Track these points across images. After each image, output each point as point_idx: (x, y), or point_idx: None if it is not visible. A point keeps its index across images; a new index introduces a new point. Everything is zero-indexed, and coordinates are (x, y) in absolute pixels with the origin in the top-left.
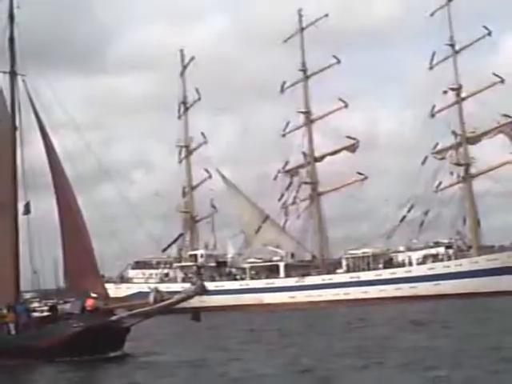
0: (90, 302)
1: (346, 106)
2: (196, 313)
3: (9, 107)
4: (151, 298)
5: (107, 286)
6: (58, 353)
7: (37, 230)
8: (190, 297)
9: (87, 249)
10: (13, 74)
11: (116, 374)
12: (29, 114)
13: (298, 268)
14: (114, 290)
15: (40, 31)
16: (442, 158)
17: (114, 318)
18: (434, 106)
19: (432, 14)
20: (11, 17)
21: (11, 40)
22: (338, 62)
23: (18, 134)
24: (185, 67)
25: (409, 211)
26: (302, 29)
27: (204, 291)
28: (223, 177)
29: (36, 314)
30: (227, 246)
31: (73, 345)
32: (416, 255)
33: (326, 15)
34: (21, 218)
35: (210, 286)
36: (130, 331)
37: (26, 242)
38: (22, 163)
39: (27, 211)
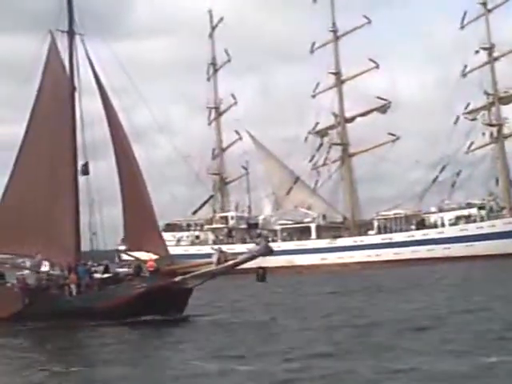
0: (150, 263)
1: (377, 66)
2: (261, 273)
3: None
4: (215, 258)
5: None
6: (120, 314)
7: (96, 191)
8: (254, 257)
9: (148, 208)
10: (71, 34)
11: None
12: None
13: (330, 230)
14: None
15: None
16: (474, 119)
17: (176, 278)
18: (465, 66)
19: None
20: None
21: None
22: (369, 21)
23: (76, 94)
24: (213, 28)
25: (441, 172)
26: None
27: (269, 251)
28: (253, 138)
29: (98, 275)
30: (263, 205)
31: (135, 306)
32: (448, 216)
33: None
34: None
35: (240, 248)
36: (192, 292)
37: (85, 204)
38: (82, 124)
39: (86, 172)
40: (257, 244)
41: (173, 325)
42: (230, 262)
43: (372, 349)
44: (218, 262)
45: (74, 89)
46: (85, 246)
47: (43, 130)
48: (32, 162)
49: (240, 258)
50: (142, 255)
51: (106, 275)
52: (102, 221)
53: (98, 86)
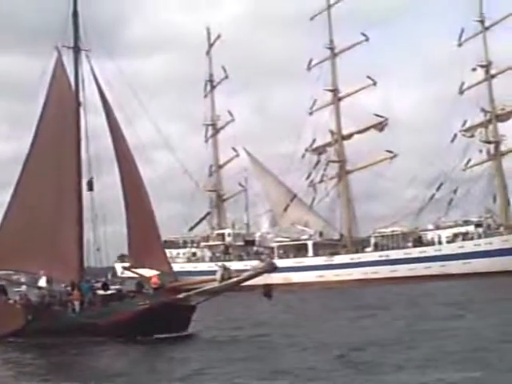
0: (154, 280)
1: (375, 83)
2: (268, 289)
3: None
4: (218, 275)
5: None
6: (123, 331)
7: (100, 207)
8: (258, 274)
9: (151, 224)
10: (76, 50)
11: (181, 354)
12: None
13: (327, 247)
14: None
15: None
16: (471, 136)
17: (180, 295)
18: (462, 83)
19: None
20: None
21: (75, 14)
22: (367, 39)
23: (81, 109)
24: (211, 45)
25: (438, 189)
26: (330, 6)
27: (273, 268)
28: (250, 155)
29: (101, 292)
30: (261, 222)
31: (139, 323)
32: (445, 233)
33: None
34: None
35: (237, 265)
36: (195, 310)
37: (89, 219)
38: (86, 140)
39: (90, 188)
40: (261, 261)
41: (176, 342)
42: (234, 279)
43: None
44: (222, 278)
45: (79, 104)
46: (88, 262)
47: (48, 145)
48: (36, 178)
49: (244, 275)
50: (145, 272)
51: (107, 292)
52: (106, 237)
53: (103, 101)
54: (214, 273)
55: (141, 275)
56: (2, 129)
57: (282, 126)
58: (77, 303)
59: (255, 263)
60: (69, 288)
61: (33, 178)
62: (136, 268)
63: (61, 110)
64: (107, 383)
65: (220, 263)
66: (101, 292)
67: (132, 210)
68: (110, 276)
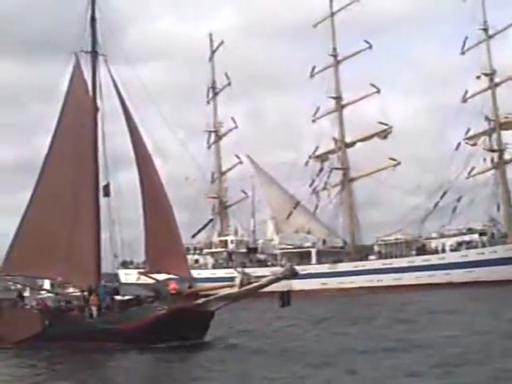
0: (172, 285)
1: (379, 91)
2: (286, 296)
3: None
4: (238, 280)
5: (135, 271)
6: (141, 336)
7: (117, 213)
8: (278, 279)
9: (171, 228)
10: (94, 55)
11: (198, 361)
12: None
13: (330, 254)
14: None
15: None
16: (474, 144)
17: (199, 301)
18: (466, 92)
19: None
20: None
21: (92, 20)
22: (370, 46)
23: (99, 114)
24: (213, 52)
25: (442, 197)
26: (333, 13)
27: (293, 274)
28: (253, 162)
29: (119, 297)
30: (267, 228)
31: (156, 328)
32: (449, 242)
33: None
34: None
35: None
36: (214, 315)
37: (106, 225)
38: (104, 145)
39: (107, 193)
40: (281, 266)
41: (194, 349)
42: (254, 285)
43: None
44: (241, 284)
45: (96, 109)
46: (106, 268)
47: (65, 150)
48: (54, 184)
49: (263, 280)
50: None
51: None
52: (123, 242)
53: (122, 104)
54: (216, 280)
55: (157, 280)
56: None
57: (281, 133)
58: (94, 308)
59: (276, 269)
60: (85, 293)
61: (50, 184)
62: (153, 273)
63: (78, 115)
64: None
65: (239, 268)
66: (118, 297)
67: (150, 213)
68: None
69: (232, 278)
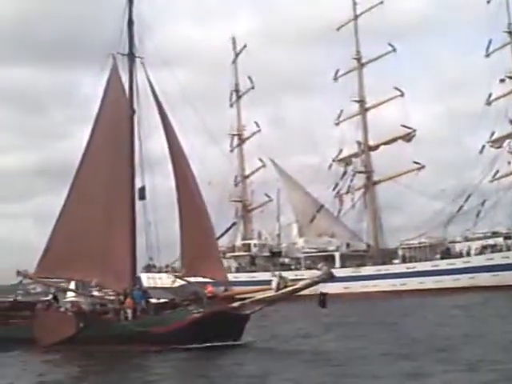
0: (209, 288)
1: (402, 94)
2: (323, 299)
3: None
4: (274, 284)
5: (157, 275)
6: (176, 339)
7: (153, 215)
8: (315, 283)
9: (207, 231)
10: (131, 57)
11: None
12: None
13: (354, 258)
14: (166, 280)
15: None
16: (499, 147)
17: (234, 304)
18: (490, 94)
19: (488, 2)
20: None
21: (130, 23)
22: (394, 50)
23: (135, 117)
24: (237, 55)
25: (466, 201)
26: (356, 16)
27: (330, 277)
28: (276, 166)
29: (154, 300)
30: (291, 231)
31: (192, 331)
32: (474, 245)
33: (381, 2)
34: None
35: (264, 276)
36: (249, 319)
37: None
38: (140, 148)
39: (142, 196)
40: (318, 269)
41: (229, 352)
42: (290, 288)
43: None
44: (278, 287)
45: (133, 112)
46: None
47: (101, 153)
48: (89, 186)
49: (300, 283)
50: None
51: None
52: (159, 244)
53: (159, 107)
54: (239, 283)
55: (193, 284)
56: None
57: (304, 137)
58: (129, 311)
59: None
60: (121, 296)
61: (85, 186)
62: (189, 276)
63: (115, 118)
64: None
65: (277, 272)
66: (154, 300)
67: (186, 216)
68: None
69: (254, 282)
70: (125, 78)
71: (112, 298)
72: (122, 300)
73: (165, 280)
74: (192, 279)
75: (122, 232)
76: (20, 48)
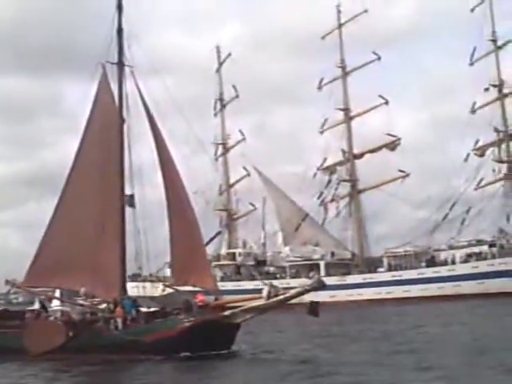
0: (200, 298)
1: (387, 102)
2: (313, 307)
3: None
4: (265, 292)
5: (143, 284)
6: (167, 348)
7: (142, 224)
8: (306, 291)
9: (196, 240)
10: (120, 65)
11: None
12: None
13: (339, 266)
14: (150, 290)
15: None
16: (482, 155)
17: (225, 313)
18: (474, 103)
19: (472, 10)
20: (119, 8)
21: (119, 31)
22: (379, 58)
23: (125, 126)
24: (221, 64)
25: (451, 209)
26: (341, 25)
27: (322, 285)
28: (261, 175)
29: (144, 309)
30: (276, 240)
31: (183, 340)
32: (459, 253)
33: (366, 11)
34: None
35: (249, 284)
36: (240, 327)
37: (131, 236)
38: (129, 156)
39: (132, 204)
40: (309, 278)
41: (218, 360)
42: (281, 297)
43: None
44: (268, 296)
45: (122, 121)
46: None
47: (91, 161)
48: (79, 194)
49: (291, 292)
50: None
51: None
52: (148, 253)
53: (148, 116)
54: (224, 293)
55: (183, 293)
56: None
57: (289, 146)
58: (119, 320)
59: (303, 280)
60: (110, 305)
61: (75, 194)
62: (178, 285)
63: (105, 126)
64: None
65: (267, 281)
66: (144, 309)
67: (176, 225)
68: None
69: (240, 291)
70: (114, 87)
71: (100, 306)
72: (111, 309)
73: (149, 289)
74: (182, 288)
75: (111, 240)
76: (7, 57)
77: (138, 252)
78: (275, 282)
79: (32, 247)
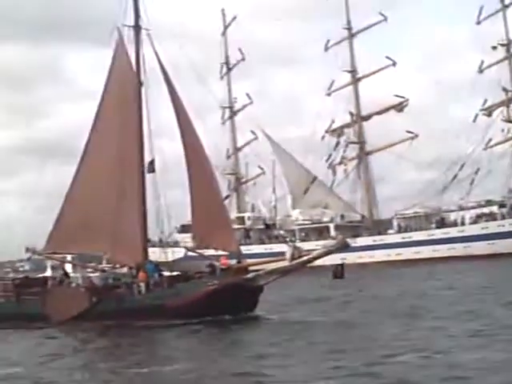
0: (223, 260)
1: (394, 64)
2: (339, 269)
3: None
4: (288, 254)
5: (153, 250)
6: (190, 312)
7: (162, 189)
8: (330, 252)
9: (218, 202)
10: (137, 29)
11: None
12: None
13: (348, 229)
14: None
15: None
16: (490, 115)
17: (248, 275)
18: (482, 62)
19: None
20: None
21: None
22: (385, 19)
23: (143, 89)
24: (226, 27)
25: (460, 170)
26: None
27: (345, 246)
28: (269, 138)
29: (167, 273)
30: (286, 201)
31: (206, 304)
32: (469, 214)
33: None
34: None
35: (258, 248)
36: (263, 290)
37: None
38: (148, 119)
39: (152, 169)
40: (333, 238)
41: (242, 323)
42: (304, 258)
43: None
44: (292, 257)
45: (140, 83)
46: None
47: (110, 126)
48: (98, 160)
49: (314, 253)
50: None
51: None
52: (169, 216)
53: (165, 78)
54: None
55: (206, 256)
56: None
57: (295, 108)
58: (142, 285)
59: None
60: (133, 270)
61: (94, 160)
62: (201, 248)
63: (122, 91)
64: (171, 365)
65: (290, 242)
66: (167, 273)
67: (196, 187)
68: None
69: (249, 255)
70: (130, 51)
71: (120, 271)
72: (134, 274)
73: (158, 255)
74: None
75: (132, 205)
76: (5, 24)
77: (160, 217)
78: (284, 246)
79: (29, 215)
